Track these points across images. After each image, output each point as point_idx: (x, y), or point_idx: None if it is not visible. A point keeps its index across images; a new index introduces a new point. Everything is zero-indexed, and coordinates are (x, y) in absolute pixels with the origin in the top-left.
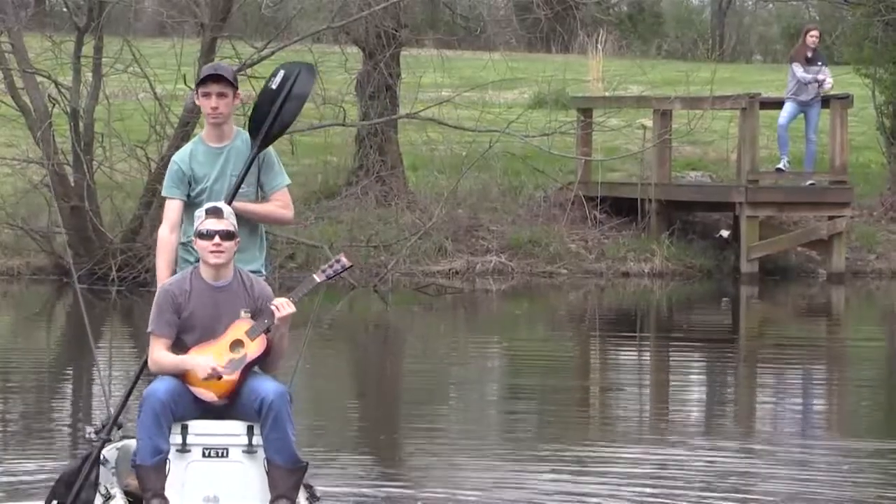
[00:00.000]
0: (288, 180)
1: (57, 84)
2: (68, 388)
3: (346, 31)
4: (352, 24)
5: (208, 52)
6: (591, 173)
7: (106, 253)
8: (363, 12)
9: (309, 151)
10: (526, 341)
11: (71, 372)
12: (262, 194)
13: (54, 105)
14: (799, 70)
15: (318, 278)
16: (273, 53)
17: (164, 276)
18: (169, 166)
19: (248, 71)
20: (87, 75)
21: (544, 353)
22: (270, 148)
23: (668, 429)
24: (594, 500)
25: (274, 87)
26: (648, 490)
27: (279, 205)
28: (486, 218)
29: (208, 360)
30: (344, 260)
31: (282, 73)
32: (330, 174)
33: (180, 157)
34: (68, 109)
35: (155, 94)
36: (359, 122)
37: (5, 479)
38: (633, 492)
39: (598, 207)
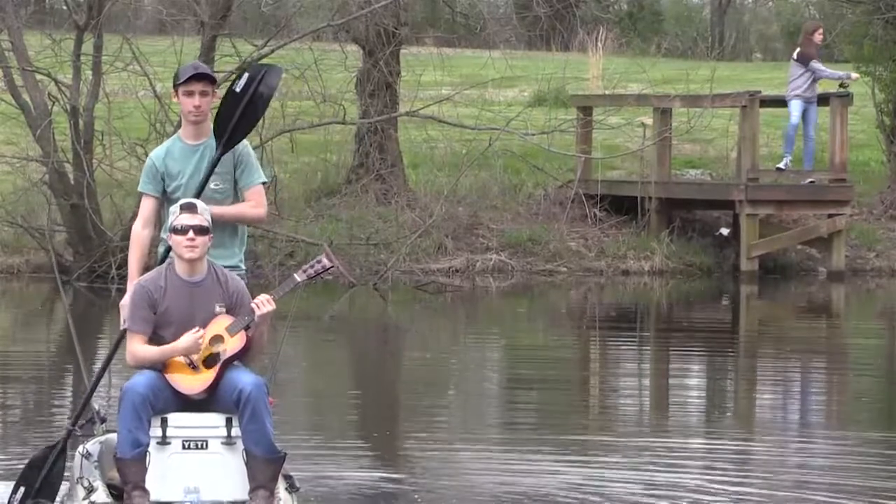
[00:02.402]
0: (262, 178)
1: (57, 82)
2: (66, 383)
3: (346, 29)
4: (352, 21)
5: (208, 51)
6: (590, 171)
7: (106, 251)
8: (363, 10)
9: (309, 149)
10: (526, 338)
11: (70, 367)
12: (238, 192)
13: (54, 103)
14: (825, 68)
15: (299, 278)
16: (273, 51)
17: (134, 271)
18: (146, 163)
19: None
20: (87, 73)
21: (544, 349)
22: (247, 145)
23: (667, 420)
24: (593, 487)
25: (238, 89)
26: (648, 478)
27: (251, 204)
28: (485, 216)
29: (189, 336)
30: (325, 261)
31: (246, 75)
32: (330, 172)
33: (156, 154)
34: (68, 107)
35: (155, 92)
36: (359, 120)
37: (5, 463)
38: (633, 480)
39: (598, 205)
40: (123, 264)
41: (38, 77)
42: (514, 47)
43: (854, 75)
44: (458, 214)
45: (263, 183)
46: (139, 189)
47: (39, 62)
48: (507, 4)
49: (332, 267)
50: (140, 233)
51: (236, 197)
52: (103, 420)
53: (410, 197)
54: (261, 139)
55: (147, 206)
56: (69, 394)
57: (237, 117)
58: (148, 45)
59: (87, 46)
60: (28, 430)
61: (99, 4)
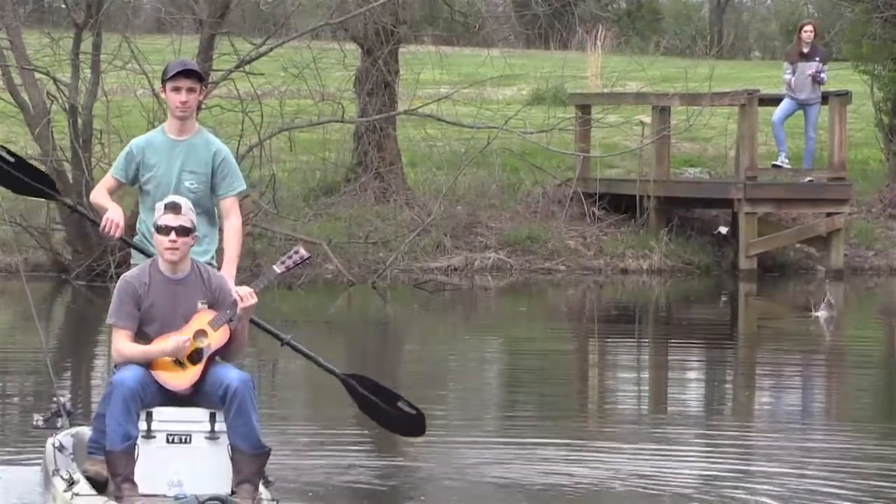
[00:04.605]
0: (243, 185)
1: (55, 81)
2: (65, 377)
3: (345, 28)
4: (350, 20)
5: (206, 49)
6: (589, 170)
7: (104, 249)
8: (361, 9)
9: (307, 148)
10: (525, 335)
11: (70, 362)
12: (214, 196)
13: (53, 102)
14: (786, 71)
15: (277, 269)
16: (272, 50)
17: (105, 201)
18: (125, 148)
19: (247, 68)
20: (86, 72)
21: (543, 346)
22: (229, 152)
23: (666, 413)
24: (594, 477)
25: (402, 405)
26: (648, 467)
27: (235, 223)
28: (484, 214)
29: (177, 340)
30: (302, 251)
31: (408, 407)
32: (328, 171)
33: (136, 142)
34: (67, 106)
35: (153, 90)
36: (357, 119)
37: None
38: (633, 469)
39: (597, 204)
40: (122, 263)
41: (37, 76)
42: (512, 46)
43: (808, 73)
44: (457, 213)
45: (240, 191)
46: (111, 172)
47: (38, 61)
48: (506, 3)
49: (309, 258)
50: (101, 191)
51: (210, 198)
52: (69, 413)
53: (409, 195)
54: (259, 137)
55: (108, 183)
56: (68, 386)
57: (367, 399)
58: (147, 44)
59: (86, 45)
60: (26, 420)
61: (98, 3)
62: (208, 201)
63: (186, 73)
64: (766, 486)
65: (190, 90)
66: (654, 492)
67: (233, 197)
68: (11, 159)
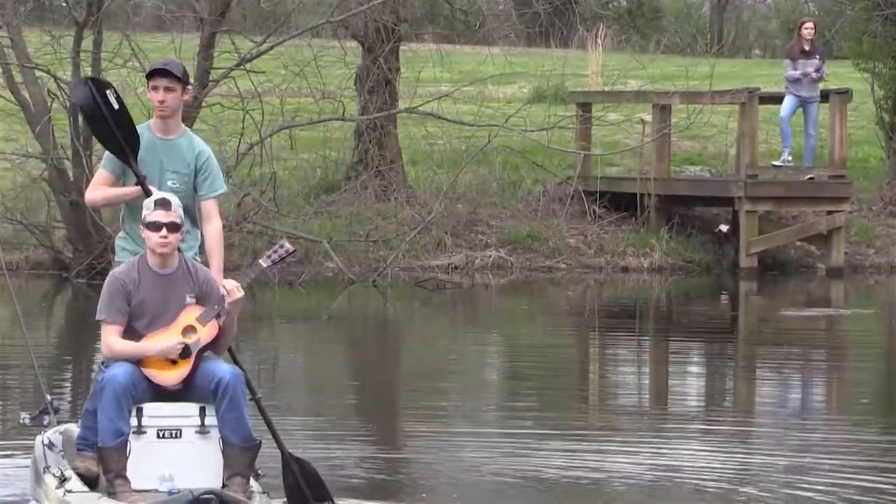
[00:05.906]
0: (224, 188)
1: (56, 79)
2: (65, 375)
3: (346, 26)
4: (351, 18)
5: (207, 47)
6: (590, 168)
7: (105, 248)
8: (362, 7)
9: (308, 146)
10: (526, 333)
11: (69, 359)
12: (196, 197)
13: (53, 100)
14: (788, 68)
15: (263, 263)
16: (272, 48)
17: (121, 191)
18: None
19: (248, 66)
20: (87, 70)
21: (544, 343)
22: (211, 154)
23: (667, 408)
24: (593, 470)
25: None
26: (647, 463)
27: (213, 225)
28: (485, 213)
29: (171, 341)
30: (287, 245)
31: None
32: (329, 169)
33: None
34: (67, 104)
35: None
36: (358, 117)
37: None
38: (633, 463)
39: (598, 202)
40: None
41: (38, 74)
42: (513, 44)
43: (810, 70)
44: (458, 211)
45: (220, 193)
46: (101, 166)
47: (39, 59)
48: (507, 1)
49: (294, 251)
50: (96, 191)
51: (192, 198)
52: (56, 411)
53: (410, 193)
54: (260, 135)
55: (106, 178)
56: (68, 383)
57: (303, 492)
58: (147, 42)
59: (87, 43)
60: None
61: (98, 1)
62: (190, 201)
63: (163, 73)
64: (766, 480)
65: (168, 90)
66: (654, 485)
67: (213, 199)
68: (116, 106)
